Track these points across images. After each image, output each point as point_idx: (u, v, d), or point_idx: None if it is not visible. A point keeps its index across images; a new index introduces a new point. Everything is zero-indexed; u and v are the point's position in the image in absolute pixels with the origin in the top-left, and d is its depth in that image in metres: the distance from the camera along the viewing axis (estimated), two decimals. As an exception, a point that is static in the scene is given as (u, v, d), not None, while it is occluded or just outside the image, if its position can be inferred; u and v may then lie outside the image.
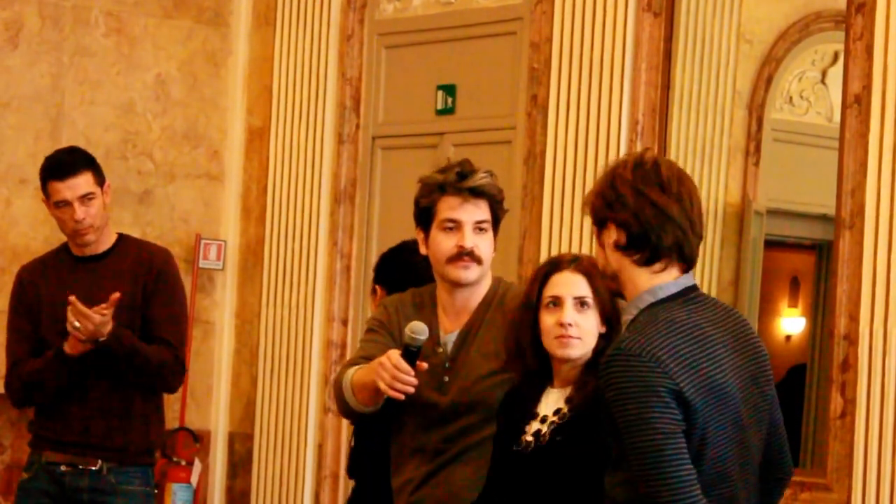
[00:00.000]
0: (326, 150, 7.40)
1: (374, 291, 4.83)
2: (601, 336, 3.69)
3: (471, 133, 6.84)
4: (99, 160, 7.32)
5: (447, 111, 7.01)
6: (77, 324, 4.80)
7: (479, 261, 4.01)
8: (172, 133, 7.67)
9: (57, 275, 5.08)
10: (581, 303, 3.70)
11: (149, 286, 5.05)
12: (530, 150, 6.50)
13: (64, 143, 7.33)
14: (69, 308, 4.81)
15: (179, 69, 7.69)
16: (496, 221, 4.06)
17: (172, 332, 5.06)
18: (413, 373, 3.80)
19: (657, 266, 3.23)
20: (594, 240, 3.37)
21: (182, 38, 7.70)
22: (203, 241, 7.64)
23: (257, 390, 7.54)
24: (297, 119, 7.52)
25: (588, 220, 6.23)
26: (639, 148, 6.15)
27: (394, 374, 3.79)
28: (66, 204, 5.02)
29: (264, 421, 7.50)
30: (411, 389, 3.81)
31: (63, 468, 5.00)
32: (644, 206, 3.20)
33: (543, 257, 6.36)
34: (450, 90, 7.00)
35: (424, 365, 3.87)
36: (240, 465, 7.64)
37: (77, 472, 4.99)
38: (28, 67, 7.27)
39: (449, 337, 4.06)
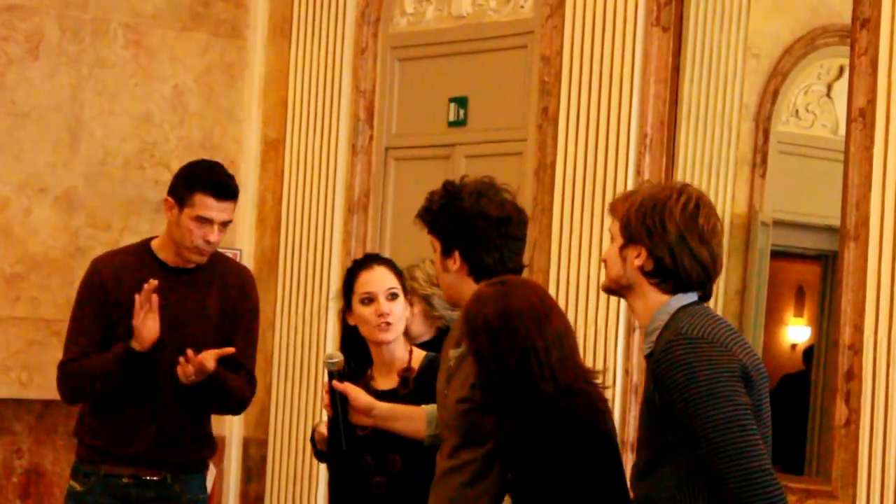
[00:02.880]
0: (340, 161, 7.43)
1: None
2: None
3: (482, 144, 6.87)
4: (117, 170, 7.50)
5: (459, 123, 7.04)
6: (190, 372, 4.67)
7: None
8: (189, 143, 7.70)
9: (137, 278, 4.79)
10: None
11: (238, 306, 4.94)
12: (541, 162, 6.54)
13: (82, 153, 7.42)
14: (183, 359, 4.66)
15: (196, 81, 7.74)
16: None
17: (251, 360, 4.95)
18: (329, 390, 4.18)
19: (674, 293, 3.38)
20: (602, 243, 3.46)
21: (199, 51, 7.75)
22: (219, 251, 7.68)
23: (271, 397, 7.56)
24: (312, 130, 7.56)
25: (597, 232, 6.29)
26: (647, 161, 6.20)
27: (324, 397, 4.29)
28: (207, 222, 4.81)
29: (278, 427, 7.53)
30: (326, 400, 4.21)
31: (125, 480, 4.84)
32: (683, 252, 3.34)
33: (553, 268, 6.42)
34: (462, 102, 7.04)
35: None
36: (254, 469, 7.67)
37: (142, 483, 4.86)
38: (48, 78, 7.32)
39: (454, 352, 4.06)
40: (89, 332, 4.83)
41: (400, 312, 4.34)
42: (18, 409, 7.23)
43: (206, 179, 4.87)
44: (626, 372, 6.18)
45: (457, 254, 3.94)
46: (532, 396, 3.55)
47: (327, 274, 7.41)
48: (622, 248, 3.40)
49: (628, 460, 6.07)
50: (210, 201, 4.82)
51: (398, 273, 4.47)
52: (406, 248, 7.18)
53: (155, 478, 4.87)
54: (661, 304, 3.35)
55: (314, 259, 7.47)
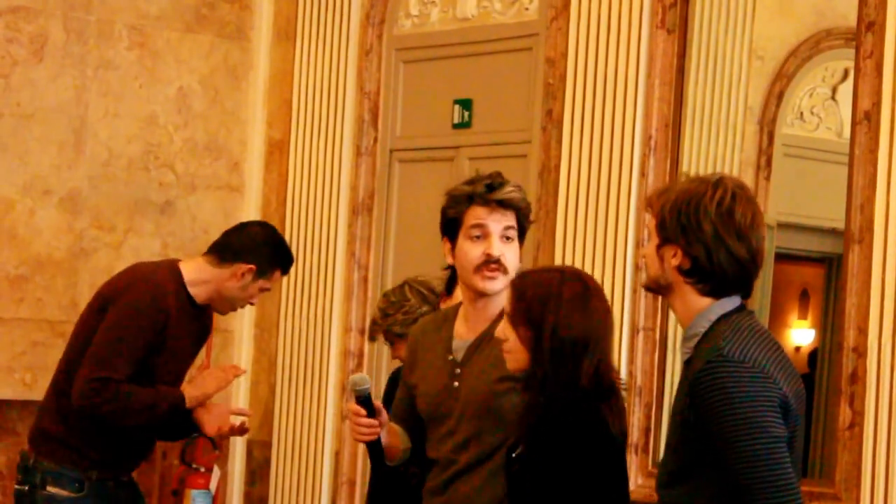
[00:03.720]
0: (345, 162, 7.44)
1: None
2: (538, 365, 3.63)
3: (486, 147, 6.87)
4: (121, 171, 7.51)
5: (464, 125, 7.04)
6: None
7: (504, 270, 3.99)
8: (194, 145, 7.72)
9: (180, 316, 4.99)
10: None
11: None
12: (545, 164, 6.54)
13: (87, 155, 7.44)
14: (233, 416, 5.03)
15: (201, 82, 7.75)
16: (522, 233, 4.05)
17: None
18: (368, 415, 3.89)
19: (717, 296, 3.29)
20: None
21: (204, 52, 7.76)
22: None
23: (275, 398, 7.57)
24: (317, 132, 7.57)
25: (601, 234, 6.30)
26: (651, 163, 6.21)
27: (354, 421, 3.91)
28: (268, 290, 5.14)
29: (282, 428, 7.54)
30: (377, 430, 3.91)
31: (110, 483, 5.03)
32: (719, 250, 3.24)
33: (558, 269, 6.42)
34: (466, 104, 7.04)
35: (378, 403, 3.94)
36: (258, 471, 7.68)
37: (120, 483, 5.09)
38: (52, 80, 7.33)
39: (461, 344, 4.04)
40: (138, 355, 4.91)
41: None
42: (22, 411, 7.23)
43: (289, 259, 5.17)
44: (630, 374, 6.18)
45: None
46: (574, 386, 3.55)
47: (331, 275, 7.42)
48: (659, 247, 3.31)
49: (632, 462, 6.10)
50: (279, 275, 5.15)
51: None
52: (410, 251, 7.20)
53: (125, 478, 5.12)
54: (701, 307, 3.27)
55: (318, 260, 7.48)
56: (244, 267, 5.03)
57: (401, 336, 4.94)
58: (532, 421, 3.57)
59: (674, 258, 3.28)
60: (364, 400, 3.90)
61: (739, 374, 3.14)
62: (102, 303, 5.01)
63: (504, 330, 3.67)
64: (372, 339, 5.28)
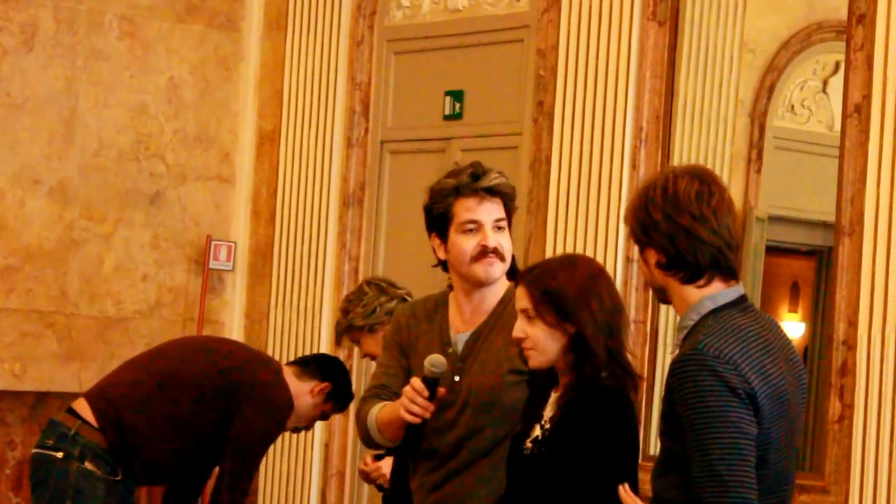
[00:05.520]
0: (336, 153, 7.44)
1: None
2: (575, 355, 3.67)
3: (478, 138, 6.88)
4: (111, 162, 7.50)
5: (455, 116, 7.05)
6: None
7: (502, 258, 4.01)
8: (184, 136, 7.72)
9: None
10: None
11: None
12: (536, 156, 6.54)
13: (77, 145, 7.43)
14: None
15: (192, 73, 7.74)
16: (509, 218, 4.07)
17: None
18: (428, 398, 3.84)
19: (700, 282, 3.28)
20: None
21: (194, 43, 7.75)
22: (213, 243, 7.71)
23: (265, 390, 7.58)
24: (307, 123, 7.57)
25: (592, 225, 6.31)
26: (642, 155, 6.22)
27: (412, 396, 3.84)
28: None
29: (272, 420, 7.54)
30: (427, 413, 3.85)
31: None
32: (678, 232, 3.24)
33: (548, 261, 6.42)
34: (457, 96, 7.04)
35: (443, 390, 3.89)
36: (248, 463, 7.68)
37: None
38: (42, 70, 7.32)
39: (460, 337, 4.03)
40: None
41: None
42: (12, 401, 7.24)
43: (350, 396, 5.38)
44: (621, 366, 6.18)
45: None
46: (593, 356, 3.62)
47: (322, 267, 7.42)
48: (641, 253, 3.34)
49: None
50: None
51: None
52: (401, 242, 7.20)
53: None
54: (693, 300, 3.27)
55: (309, 251, 7.48)
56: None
57: (362, 329, 5.02)
58: (570, 403, 3.61)
59: (651, 257, 3.31)
60: (432, 382, 3.87)
61: (708, 366, 3.14)
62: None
63: (524, 329, 3.68)
64: (338, 343, 5.34)
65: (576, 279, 3.65)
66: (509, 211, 4.07)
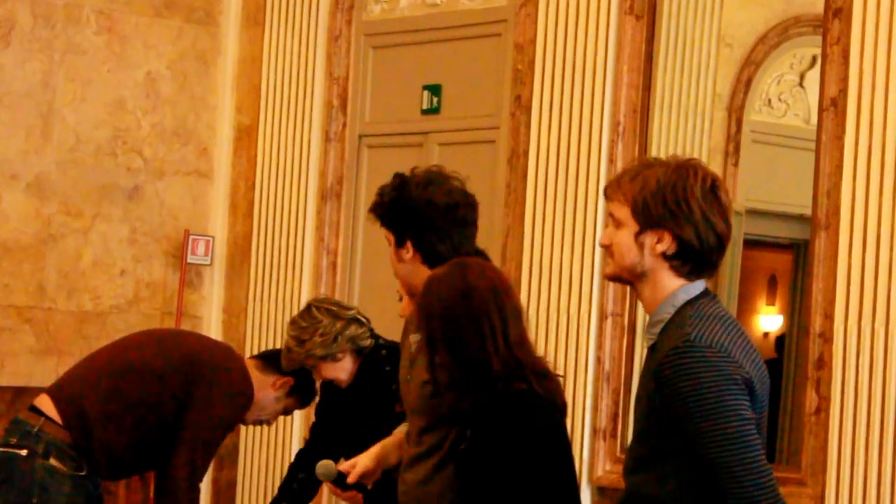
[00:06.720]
0: (314, 148, 7.44)
1: None
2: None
3: (455, 133, 6.89)
4: (89, 157, 7.49)
5: (433, 111, 7.05)
6: None
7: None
8: (162, 130, 7.71)
9: None
10: None
11: None
12: (514, 150, 6.55)
13: (54, 140, 7.42)
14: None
15: (169, 67, 7.74)
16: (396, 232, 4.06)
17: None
18: (342, 489, 4.14)
19: (693, 276, 3.28)
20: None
21: (172, 37, 7.74)
22: (191, 237, 7.70)
23: (244, 384, 7.57)
24: (285, 117, 7.56)
25: (570, 219, 6.30)
26: (620, 149, 6.22)
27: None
28: None
29: (251, 414, 7.54)
30: (358, 498, 4.17)
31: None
32: (709, 233, 3.23)
33: (526, 255, 6.44)
34: (435, 90, 7.05)
35: (351, 476, 4.15)
36: (226, 457, 7.67)
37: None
38: (20, 65, 7.30)
39: (414, 337, 4.03)
40: None
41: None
42: (-10, 396, 7.23)
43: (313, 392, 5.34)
44: (598, 360, 6.20)
45: (409, 244, 3.99)
46: (487, 373, 3.58)
47: (300, 261, 7.42)
48: (638, 234, 3.26)
49: (600, 448, 6.12)
50: None
51: None
52: (378, 236, 7.18)
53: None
54: (668, 291, 3.25)
55: (287, 246, 7.48)
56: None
57: (324, 358, 4.91)
58: (460, 418, 3.63)
59: (659, 243, 3.25)
60: (335, 481, 4.14)
61: (707, 358, 3.14)
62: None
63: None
64: (287, 368, 5.06)
65: (429, 282, 3.68)
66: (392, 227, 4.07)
